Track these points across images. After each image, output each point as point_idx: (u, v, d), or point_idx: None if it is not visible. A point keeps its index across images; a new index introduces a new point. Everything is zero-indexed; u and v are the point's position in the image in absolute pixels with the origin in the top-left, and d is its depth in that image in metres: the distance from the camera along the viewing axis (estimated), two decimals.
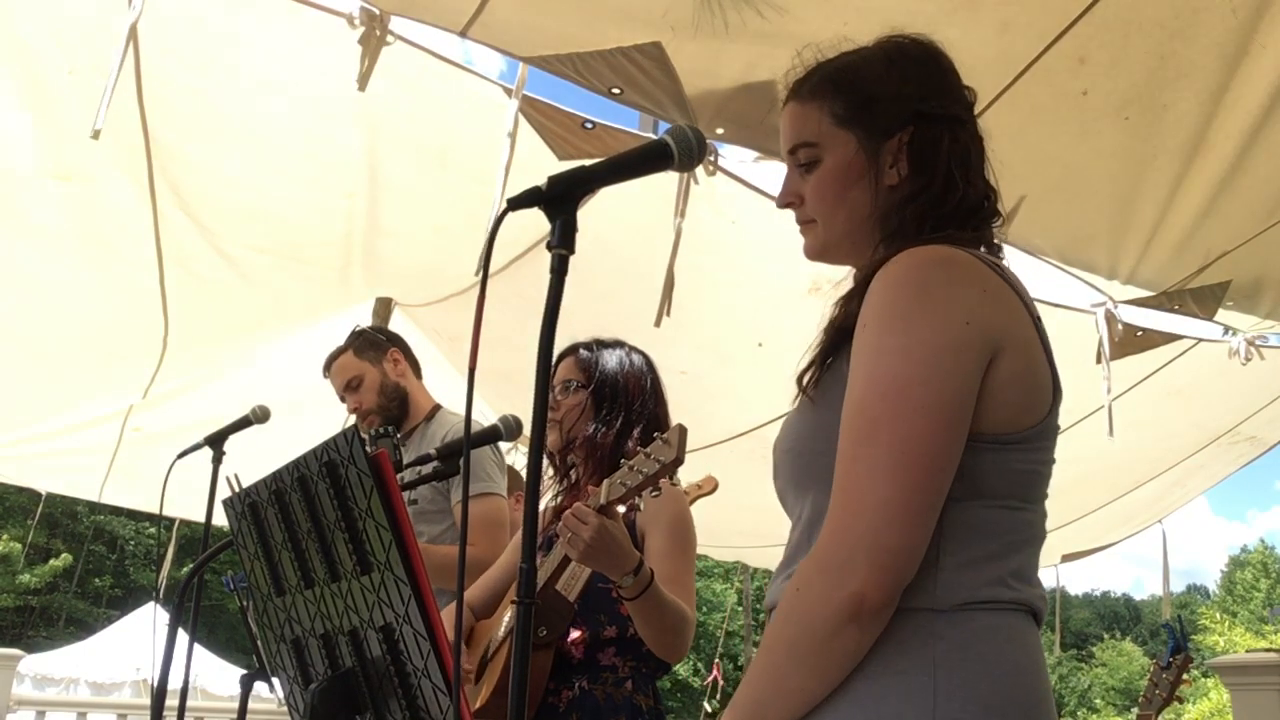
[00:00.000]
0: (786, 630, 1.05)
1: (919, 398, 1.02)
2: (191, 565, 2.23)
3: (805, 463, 1.15)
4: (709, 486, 2.51)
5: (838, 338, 1.17)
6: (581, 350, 2.27)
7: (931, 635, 1.02)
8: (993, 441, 1.06)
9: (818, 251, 1.27)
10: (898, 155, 1.20)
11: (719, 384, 4.34)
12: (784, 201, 1.27)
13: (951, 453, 1.03)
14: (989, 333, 1.06)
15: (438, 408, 3.19)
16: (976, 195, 1.20)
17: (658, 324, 3.15)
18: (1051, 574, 6.18)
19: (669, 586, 1.93)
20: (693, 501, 2.36)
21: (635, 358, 2.29)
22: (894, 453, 1.01)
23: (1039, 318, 1.14)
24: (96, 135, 2.56)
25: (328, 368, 3.21)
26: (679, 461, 1.66)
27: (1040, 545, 1.13)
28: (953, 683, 1.00)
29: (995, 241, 1.22)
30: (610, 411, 2.19)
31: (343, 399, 3.19)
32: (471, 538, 2.74)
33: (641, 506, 1.80)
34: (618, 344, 2.31)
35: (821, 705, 1.04)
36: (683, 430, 1.68)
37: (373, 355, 3.16)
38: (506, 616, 2.12)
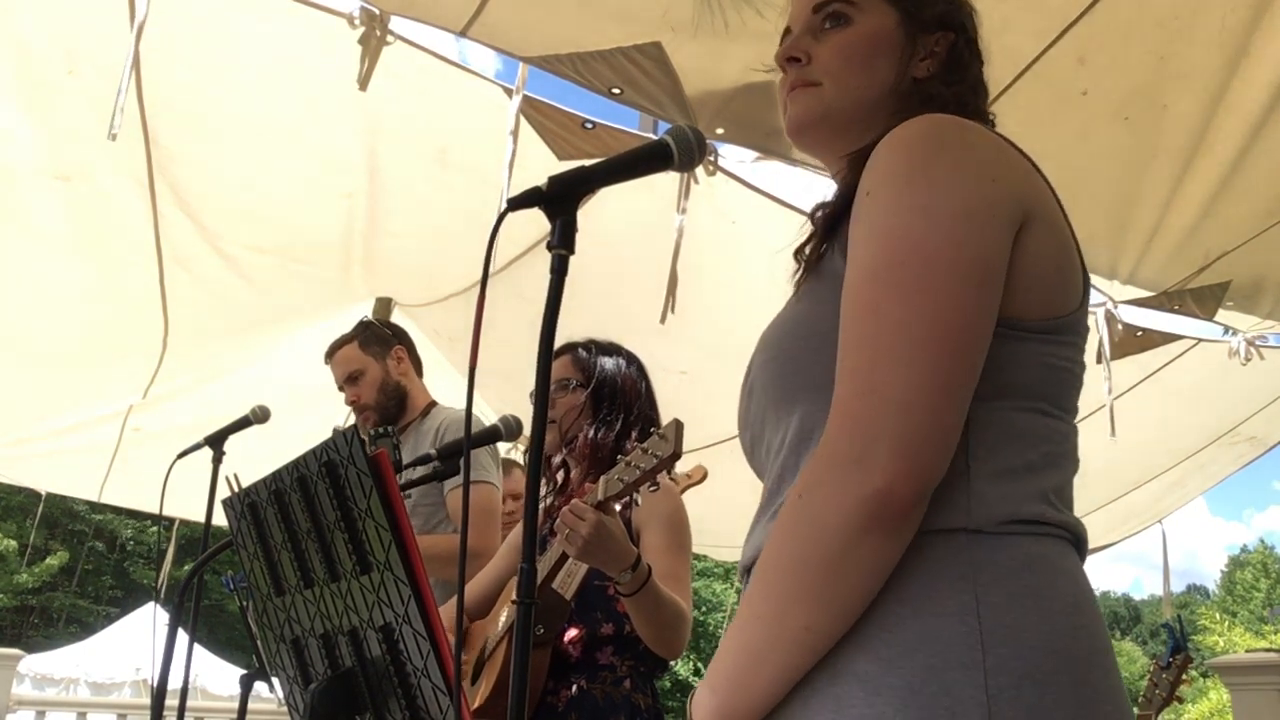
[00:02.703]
0: (788, 547, 0.85)
1: (947, 259, 0.86)
2: (191, 565, 2.23)
3: (794, 368, 0.98)
4: (698, 476, 2.50)
5: (832, 222, 1.02)
6: (579, 350, 2.27)
7: (970, 564, 0.84)
8: (1022, 328, 0.91)
9: (816, 117, 1.10)
10: (932, 51, 1.11)
11: (719, 384, 4.31)
12: (789, 54, 1.12)
13: (985, 326, 0.87)
14: (1017, 195, 0.92)
15: (433, 404, 3.19)
16: (986, 118, 1.14)
17: (663, 320, 3.15)
18: None
19: (666, 583, 1.93)
20: (682, 491, 2.36)
21: (631, 361, 2.30)
22: (919, 323, 0.84)
23: (1063, 207, 1.00)
24: (113, 138, 2.57)
25: (330, 356, 3.20)
26: (677, 456, 1.66)
27: (1076, 466, 0.96)
28: (1002, 624, 0.82)
29: None
30: (610, 413, 2.19)
31: (341, 389, 3.18)
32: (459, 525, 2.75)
33: (639, 502, 1.81)
34: (613, 346, 2.32)
35: (834, 657, 0.84)
36: (679, 425, 1.68)
37: (378, 351, 3.16)
38: (503, 615, 2.12)
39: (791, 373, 0.98)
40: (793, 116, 1.12)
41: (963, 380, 0.85)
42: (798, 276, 1.06)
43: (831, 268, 0.98)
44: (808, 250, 1.05)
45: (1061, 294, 0.94)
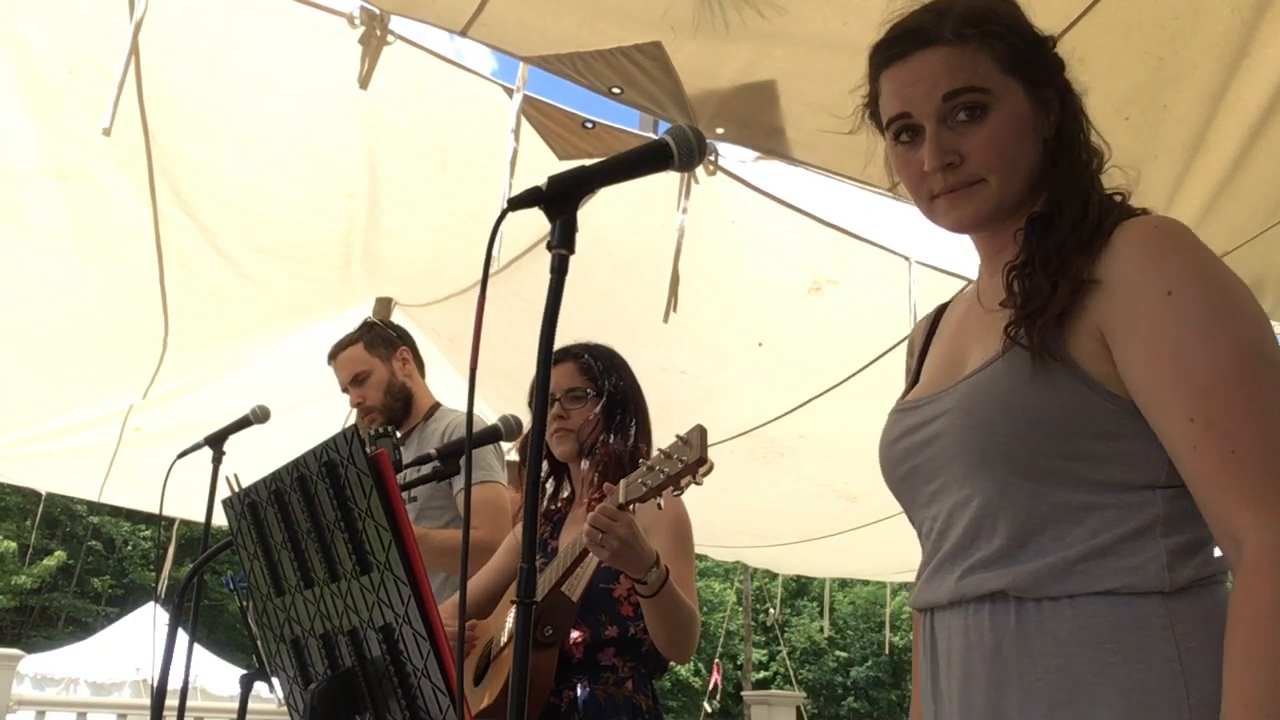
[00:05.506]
0: None
1: (1275, 358, 0.98)
2: (191, 565, 2.23)
3: (1000, 444, 1.04)
4: None
5: (1067, 307, 1.04)
6: (585, 356, 2.26)
7: (1168, 617, 0.99)
8: None
9: (988, 215, 1.12)
10: (1050, 108, 1.13)
11: (719, 384, 4.33)
12: (944, 161, 1.10)
13: None
14: None
15: (436, 405, 3.18)
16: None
17: (665, 320, 3.14)
18: None
19: (677, 588, 1.94)
20: None
21: (624, 364, 2.30)
22: None
23: None
24: (107, 133, 2.57)
25: (333, 357, 3.16)
26: (702, 461, 1.65)
27: None
28: (1200, 665, 0.97)
29: None
30: (623, 419, 2.20)
31: (345, 390, 3.17)
32: (474, 521, 2.75)
33: (661, 506, 1.81)
34: (608, 349, 2.32)
35: (1061, 702, 0.99)
36: (703, 431, 1.67)
37: (383, 352, 3.14)
38: (509, 617, 2.12)
39: (996, 448, 1.05)
40: (963, 217, 1.13)
41: None
42: (1010, 342, 1.06)
43: (1060, 354, 1.03)
44: (1026, 319, 1.05)
45: None
